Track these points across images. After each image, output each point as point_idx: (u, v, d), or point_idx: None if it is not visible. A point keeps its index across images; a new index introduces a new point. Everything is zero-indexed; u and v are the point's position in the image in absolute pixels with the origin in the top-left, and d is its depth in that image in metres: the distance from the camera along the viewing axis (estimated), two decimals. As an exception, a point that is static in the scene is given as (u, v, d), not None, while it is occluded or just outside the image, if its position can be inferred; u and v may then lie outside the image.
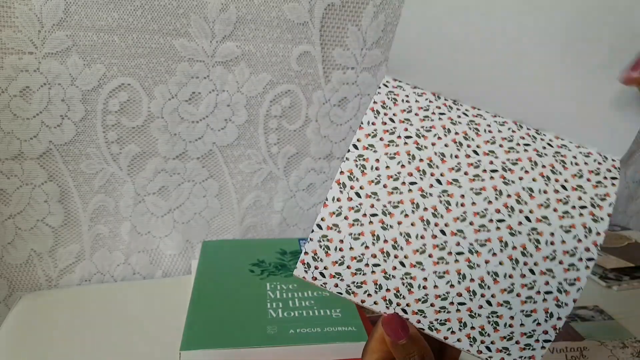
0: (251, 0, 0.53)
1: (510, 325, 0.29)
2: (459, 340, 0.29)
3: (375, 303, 0.30)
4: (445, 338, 0.29)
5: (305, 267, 0.30)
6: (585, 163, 0.31)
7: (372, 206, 0.30)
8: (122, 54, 0.51)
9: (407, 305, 0.30)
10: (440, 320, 0.29)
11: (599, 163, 0.31)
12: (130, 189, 0.57)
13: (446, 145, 0.31)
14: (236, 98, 0.57)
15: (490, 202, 0.30)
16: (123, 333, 0.49)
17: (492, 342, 0.29)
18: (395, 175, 0.30)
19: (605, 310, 0.57)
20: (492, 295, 0.29)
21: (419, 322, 0.30)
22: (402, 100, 0.32)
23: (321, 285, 0.30)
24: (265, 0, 0.54)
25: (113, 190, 0.56)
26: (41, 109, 0.50)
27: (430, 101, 0.33)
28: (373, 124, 0.31)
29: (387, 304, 0.30)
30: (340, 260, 0.30)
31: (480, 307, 0.29)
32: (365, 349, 0.31)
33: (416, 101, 0.32)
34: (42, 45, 0.48)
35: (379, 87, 0.33)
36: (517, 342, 0.29)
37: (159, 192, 0.58)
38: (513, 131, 0.32)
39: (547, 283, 0.29)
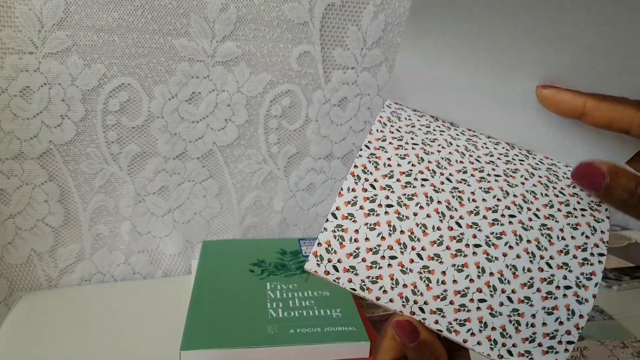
0: (251, 0, 0.53)
1: (532, 325, 0.28)
2: (479, 343, 0.28)
3: (390, 301, 0.28)
4: (465, 341, 0.28)
5: (317, 260, 0.29)
6: None
7: (387, 197, 0.30)
8: (122, 54, 0.51)
9: (425, 303, 0.28)
10: (460, 321, 0.28)
11: None
12: (131, 188, 0.57)
13: (450, 153, 0.33)
14: (236, 98, 0.57)
15: (499, 199, 0.31)
16: (123, 333, 0.49)
17: (513, 345, 0.28)
18: (407, 172, 0.31)
19: (605, 310, 0.57)
20: (513, 291, 0.28)
21: (437, 322, 0.28)
22: (405, 118, 0.35)
23: (334, 280, 0.29)
24: (266, 0, 0.54)
25: (113, 190, 0.56)
26: (41, 109, 0.50)
27: (430, 121, 0.35)
28: (382, 131, 0.33)
29: (403, 301, 0.28)
30: (355, 252, 0.29)
31: (501, 304, 0.28)
32: (378, 346, 0.31)
33: (418, 120, 0.35)
34: (42, 45, 0.48)
35: (383, 108, 0.35)
36: (539, 345, 0.28)
37: (159, 192, 0.58)
38: (507, 150, 0.34)
39: (565, 277, 0.29)
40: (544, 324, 0.28)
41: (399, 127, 0.34)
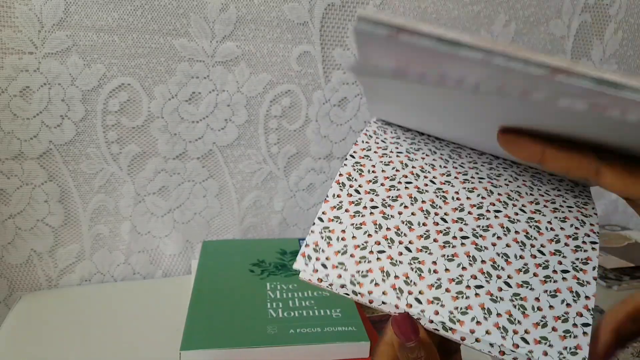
0: (251, 0, 0.53)
1: (539, 309, 0.26)
2: (487, 332, 0.26)
3: (384, 293, 0.28)
4: (472, 331, 0.26)
5: (305, 260, 0.29)
6: (560, 185, 0.34)
7: (372, 200, 0.31)
8: (122, 54, 0.51)
9: (420, 293, 0.27)
10: (461, 309, 0.27)
11: (572, 186, 0.34)
12: (130, 189, 0.57)
13: (434, 160, 0.34)
14: (236, 98, 0.57)
15: (483, 197, 0.31)
16: (123, 333, 0.49)
17: (526, 332, 0.26)
18: (392, 176, 0.32)
19: (605, 310, 0.57)
20: (509, 276, 0.27)
21: (437, 313, 0.27)
22: (391, 132, 0.36)
23: (323, 277, 0.28)
24: (265, 0, 0.54)
25: (113, 190, 0.56)
26: (41, 109, 0.50)
27: (415, 135, 0.36)
28: (367, 142, 0.35)
29: (397, 293, 0.27)
30: (343, 249, 0.29)
31: (500, 289, 0.27)
32: (374, 351, 0.31)
33: (403, 133, 0.36)
34: (42, 45, 0.48)
35: (369, 123, 0.36)
36: (554, 329, 0.26)
37: (159, 192, 0.58)
38: (491, 159, 0.35)
39: (560, 262, 0.28)
40: (551, 306, 0.26)
41: (385, 138, 0.35)
